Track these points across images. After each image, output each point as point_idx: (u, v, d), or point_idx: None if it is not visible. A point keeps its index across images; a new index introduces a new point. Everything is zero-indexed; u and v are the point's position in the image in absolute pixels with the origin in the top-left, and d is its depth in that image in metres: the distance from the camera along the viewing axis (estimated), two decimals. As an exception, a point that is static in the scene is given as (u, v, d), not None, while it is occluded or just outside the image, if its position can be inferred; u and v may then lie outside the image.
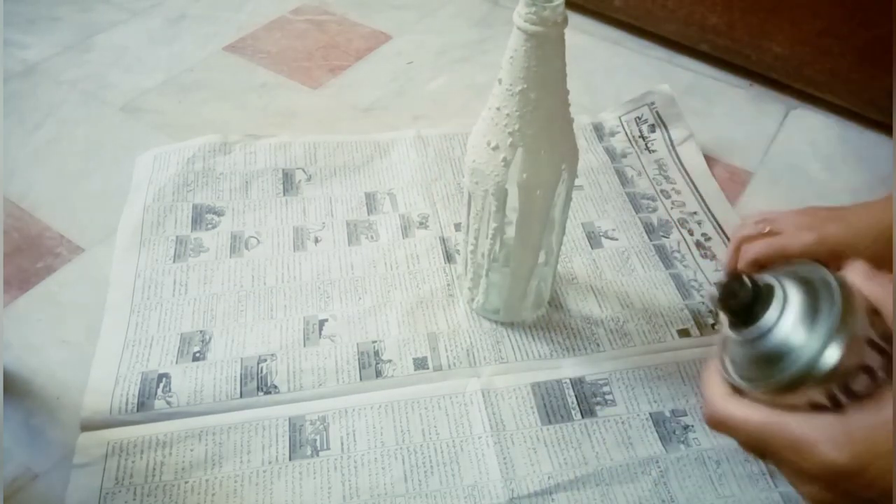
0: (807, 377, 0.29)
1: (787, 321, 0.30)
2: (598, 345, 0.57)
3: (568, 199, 0.51)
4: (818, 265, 0.31)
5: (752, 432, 0.31)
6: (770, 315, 0.30)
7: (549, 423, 0.52)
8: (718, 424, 0.33)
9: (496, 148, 0.47)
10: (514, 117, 0.45)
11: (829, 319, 0.29)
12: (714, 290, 0.31)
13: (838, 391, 0.29)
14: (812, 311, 0.29)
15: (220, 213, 0.66)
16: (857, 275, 0.32)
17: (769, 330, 0.30)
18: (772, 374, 0.30)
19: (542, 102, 0.45)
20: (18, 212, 0.67)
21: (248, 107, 0.81)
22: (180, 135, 0.74)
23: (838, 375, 0.28)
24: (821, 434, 0.29)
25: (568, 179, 0.50)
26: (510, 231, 0.51)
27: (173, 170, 0.69)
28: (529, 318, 0.58)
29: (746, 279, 0.30)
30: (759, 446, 0.32)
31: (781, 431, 0.30)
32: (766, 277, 0.31)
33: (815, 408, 0.29)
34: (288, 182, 0.70)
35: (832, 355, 0.28)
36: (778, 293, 0.31)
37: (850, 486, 0.29)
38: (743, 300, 0.30)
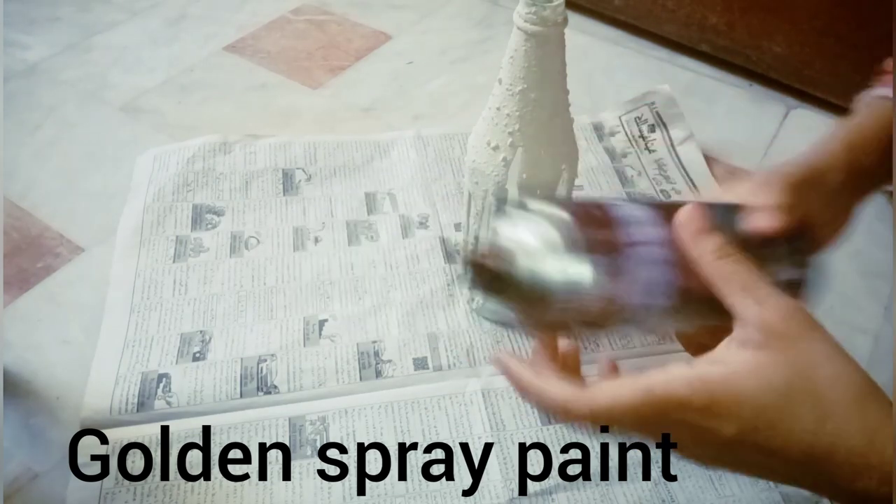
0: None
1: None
2: (597, 345, 0.57)
3: (568, 198, 0.51)
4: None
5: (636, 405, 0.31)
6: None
7: (549, 423, 0.51)
8: (600, 416, 0.33)
9: (496, 148, 0.47)
10: (514, 117, 0.45)
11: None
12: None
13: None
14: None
15: (220, 213, 0.66)
16: None
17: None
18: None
19: (542, 102, 0.45)
20: (18, 212, 0.67)
21: (248, 107, 0.81)
22: (180, 135, 0.74)
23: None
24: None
25: (568, 179, 0.50)
26: (510, 231, 0.51)
27: (173, 170, 0.69)
28: (529, 318, 0.58)
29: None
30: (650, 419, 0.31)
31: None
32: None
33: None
34: (288, 182, 0.70)
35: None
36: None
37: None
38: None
